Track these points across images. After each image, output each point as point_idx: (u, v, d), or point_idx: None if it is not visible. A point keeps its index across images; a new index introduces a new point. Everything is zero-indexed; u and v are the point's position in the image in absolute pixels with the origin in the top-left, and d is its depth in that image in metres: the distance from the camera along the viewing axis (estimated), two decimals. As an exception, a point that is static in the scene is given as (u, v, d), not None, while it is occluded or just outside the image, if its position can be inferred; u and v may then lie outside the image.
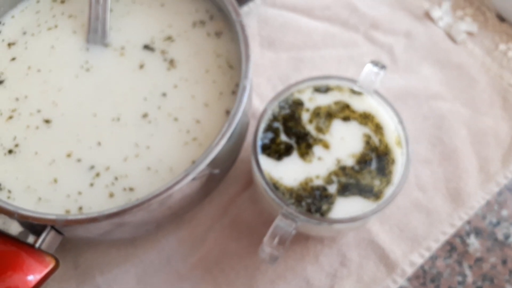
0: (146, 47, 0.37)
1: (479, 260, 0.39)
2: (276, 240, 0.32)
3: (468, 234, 0.39)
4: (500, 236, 0.39)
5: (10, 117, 0.35)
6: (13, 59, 0.37)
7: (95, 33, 0.37)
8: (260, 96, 0.43)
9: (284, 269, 0.38)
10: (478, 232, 0.39)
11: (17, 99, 0.36)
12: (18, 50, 0.37)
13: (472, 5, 0.48)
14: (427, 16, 0.48)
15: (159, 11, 0.38)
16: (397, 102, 0.41)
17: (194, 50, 0.37)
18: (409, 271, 0.38)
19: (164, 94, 0.35)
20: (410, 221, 0.39)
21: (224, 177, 0.37)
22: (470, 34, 0.47)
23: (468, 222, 0.40)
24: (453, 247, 0.39)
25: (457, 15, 0.48)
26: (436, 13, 0.47)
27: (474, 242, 0.39)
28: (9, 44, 0.38)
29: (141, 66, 0.36)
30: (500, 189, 0.40)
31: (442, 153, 0.42)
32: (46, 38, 0.38)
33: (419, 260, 0.38)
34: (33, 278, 0.30)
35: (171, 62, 0.36)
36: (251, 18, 0.47)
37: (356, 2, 0.48)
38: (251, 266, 0.38)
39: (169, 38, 0.37)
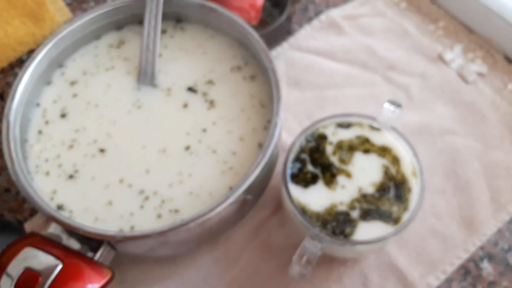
0: (190, 89, 0.41)
1: (492, 283, 0.41)
2: (304, 259, 0.35)
3: (481, 259, 0.42)
4: (511, 261, 0.42)
5: (71, 146, 0.40)
6: (75, 95, 0.42)
7: (145, 75, 0.42)
8: (288, 130, 0.47)
9: (310, 288, 0.41)
10: (490, 257, 0.42)
11: (77, 130, 0.40)
12: (79, 87, 0.42)
13: (482, 48, 0.51)
14: (440, 58, 0.51)
15: (202, 57, 0.43)
16: (413, 137, 0.43)
17: (232, 92, 0.41)
18: (426, 292, 0.40)
19: (204, 130, 0.40)
20: (427, 246, 0.42)
21: (256, 202, 0.41)
22: (480, 74, 0.50)
23: (481, 248, 0.42)
24: (468, 271, 0.42)
25: (468, 58, 0.51)
26: (448, 56, 0.51)
27: (487, 267, 0.42)
28: (72, 83, 0.42)
29: (185, 106, 0.41)
30: (510, 218, 0.43)
31: (456, 184, 0.44)
32: (104, 78, 0.42)
33: (435, 282, 0.41)
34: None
35: (211, 103, 0.41)
36: (279, 60, 0.51)
37: (374, 46, 0.51)
38: (281, 285, 0.40)
39: (210, 82, 0.42)
